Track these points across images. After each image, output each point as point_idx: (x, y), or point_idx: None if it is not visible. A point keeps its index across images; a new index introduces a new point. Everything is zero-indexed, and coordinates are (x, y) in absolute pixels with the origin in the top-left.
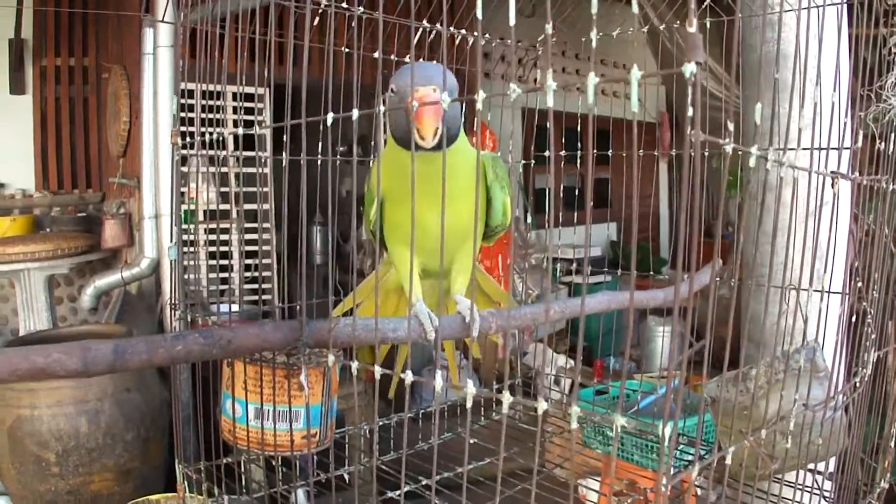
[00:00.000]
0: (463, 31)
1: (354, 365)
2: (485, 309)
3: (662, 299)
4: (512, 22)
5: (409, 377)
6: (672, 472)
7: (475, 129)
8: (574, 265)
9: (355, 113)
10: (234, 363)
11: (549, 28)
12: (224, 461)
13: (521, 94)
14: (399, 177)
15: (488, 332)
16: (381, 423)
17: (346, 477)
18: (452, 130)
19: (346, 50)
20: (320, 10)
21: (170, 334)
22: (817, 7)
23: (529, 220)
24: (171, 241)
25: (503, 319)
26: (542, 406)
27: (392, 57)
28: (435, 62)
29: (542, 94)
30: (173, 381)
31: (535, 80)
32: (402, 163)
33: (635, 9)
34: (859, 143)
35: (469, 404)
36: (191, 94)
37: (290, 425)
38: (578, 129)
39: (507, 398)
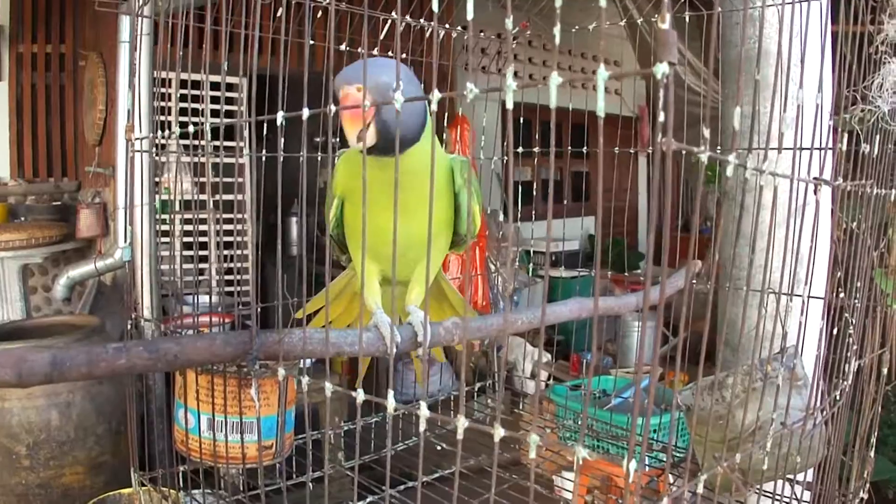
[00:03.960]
0: (433, 23)
1: (305, 381)
2: (448, 319)
3: (635, 305)
4: (470, 16)
5: (360, 396)
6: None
7: (441, 124)
8: (553, 258)
9: (305, 112)
10: (185, 372)
11: (509, 22)
12: (181, 469)
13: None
14: (356, 179)
15: (450, 344)
16: (347, 428)
17: (310, 484)
18: (403, 131)
19: (312, 42)
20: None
21: (112, 346)
22: (799, 2)
23: (502, 216)
24: (126, 241)
25: (465, 331)
26: (462, 424)
27: (360, 50)
28: (393, 57)
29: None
30: (128, 388)
31: (517, 73)
32: (359, 165)
33: (602, 2)
34: (843, 146)
35: (389, 420)
36: (165, 83)
37: (242, 437)
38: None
39: (423, 412)
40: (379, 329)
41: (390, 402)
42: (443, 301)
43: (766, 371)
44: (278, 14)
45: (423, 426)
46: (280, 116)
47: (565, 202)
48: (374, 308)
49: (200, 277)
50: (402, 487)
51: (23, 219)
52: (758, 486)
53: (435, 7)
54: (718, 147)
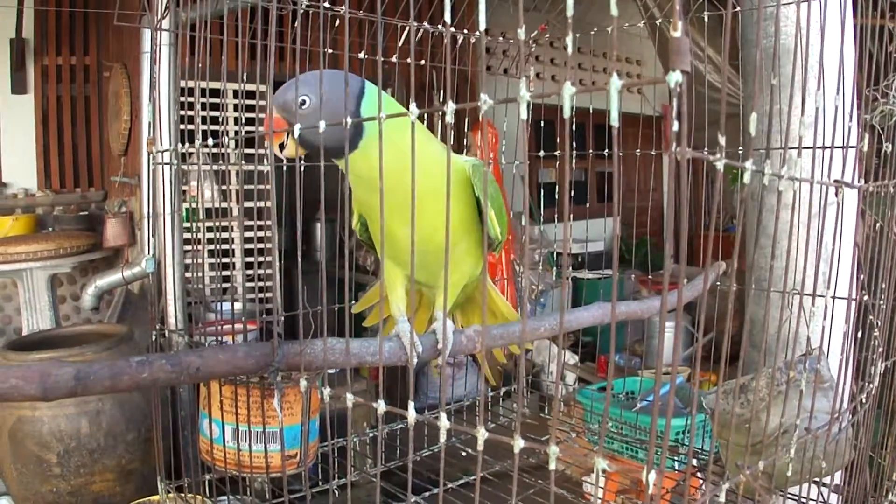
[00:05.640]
0: (449, 29)
1: (326, 391)
2: (470, 326)
3: (658, 308)
4: (482, 26)
5: (381, 406)
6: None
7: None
8: (578, 259)
9: (322, 125)
10: (209, 383)
11: (521, 32)
12: (207, 477)
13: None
14: (363, 188)
15: (472, 352)
16: (372, 435)
17: (335, 491)
18: (334, 141)
19: (330, 51)
20: (301, 10)
21: (135, 359)
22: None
23: (525, 219)
24: (151, 252)
25: (487, 339)
26: (482, 435)
27: (393, 58)
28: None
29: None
30: (153, 397)
31: (538, 75)
32: (366, 174)
33: (614, 11)
34: (865, 146)
35: (411, 431)
36: (186, 93)
37: (266, 447)
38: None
39: (444, 423)
40: (401, 338)
41: (411, 414)
42: (476, 307)
43: (791, 374)
44: (295, 23)
45: (443, 437)
46: (297, 129)
47: (587, 204)
48: (398, 315)
49: (226, 285)
50: (426, 494)
51: (51, 229)
52: (783, 491)
53: (447, 17)
54: (740, 148)
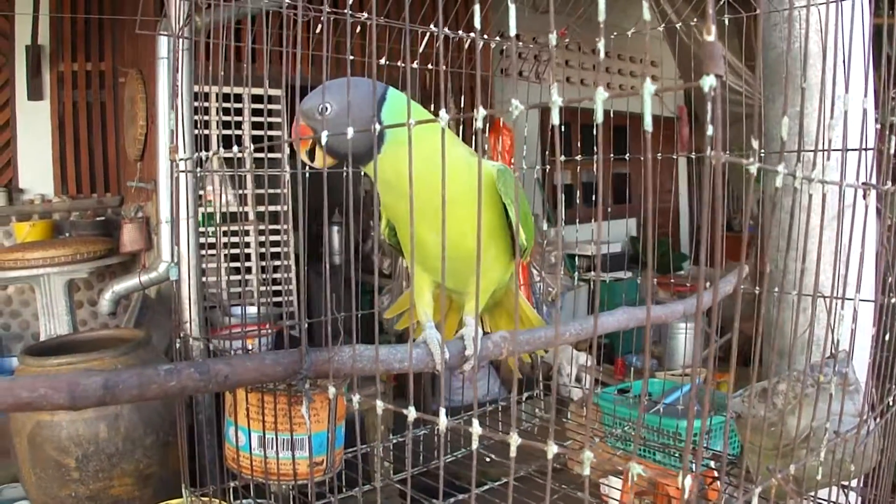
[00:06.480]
0: (471, 34)
1: (356, 398)
2: (497, 332)
3: (682, 312)
4: (512, 32)
5: (412, 413)
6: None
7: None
8: (595, 261)
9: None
10: (235, 390)
11: (553, 37)
12: (232, 485)
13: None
14: (390, 195)
15: (499, 357)
16: (395, 441)
17: (360, 498)
18: (356, 147)
19: (351, 57)
20: (324, 17)
21: (163, 368)
22: (839, 1)
23: (545, 223)
24: (172, 259)
25: (514, 344)
26: (514, 441)
27: (411, 64)
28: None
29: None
30: (178, 406)
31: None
32: (393, 179)
33: (646, 15)
34: (892, 147)
35: (443, 436)
36: (206, 97)
37: (293, 454)
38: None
39: (476, 430)
40: (428, 345)
41: (442, 421)
42: (505, 313)
43: (819, 378)
44: (318, 30)
45: (475, 444)
46: (324, 136)
47: (609, 208)
48: (425, 321)
49: (249, 289)
50: (452, 501)
51: (67, 234)
52: (812, 494)
53: (477, 23)
54: (762, 150)
